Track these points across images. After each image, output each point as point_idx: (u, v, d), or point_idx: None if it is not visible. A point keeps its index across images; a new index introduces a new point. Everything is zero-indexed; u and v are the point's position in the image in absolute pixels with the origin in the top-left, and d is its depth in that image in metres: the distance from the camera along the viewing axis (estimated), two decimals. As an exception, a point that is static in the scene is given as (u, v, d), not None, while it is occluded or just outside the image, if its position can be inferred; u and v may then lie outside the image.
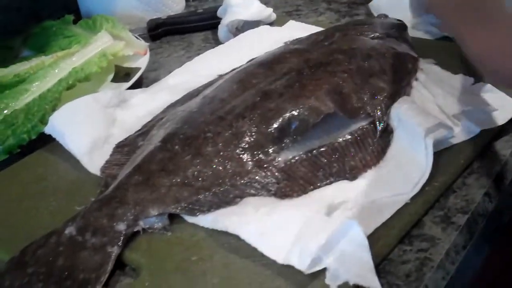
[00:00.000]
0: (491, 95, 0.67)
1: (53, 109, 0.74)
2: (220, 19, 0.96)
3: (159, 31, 1.01)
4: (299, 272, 0.49)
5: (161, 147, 0.62)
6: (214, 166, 0.59)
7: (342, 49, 0.71)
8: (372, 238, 0.50)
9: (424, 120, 0.59)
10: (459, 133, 0.63)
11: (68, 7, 1.11)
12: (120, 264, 0.54)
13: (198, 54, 0.88)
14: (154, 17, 1.04)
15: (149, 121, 0.71)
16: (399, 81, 0.68)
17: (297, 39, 0.81)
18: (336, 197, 0.56)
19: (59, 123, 0.70)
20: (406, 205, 0.55)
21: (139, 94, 0.77)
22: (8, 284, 0.53)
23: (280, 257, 0.50)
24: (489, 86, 0.68)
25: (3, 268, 0.55)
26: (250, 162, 0.59)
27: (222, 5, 0.96)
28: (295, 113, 0.61)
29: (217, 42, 0.94)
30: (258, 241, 0.52)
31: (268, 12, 0.94)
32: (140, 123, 0.71)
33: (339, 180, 0.58)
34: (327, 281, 0.48)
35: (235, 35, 0.92)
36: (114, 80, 0.85)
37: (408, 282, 0.49)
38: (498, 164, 0.61)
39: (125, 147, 0.68)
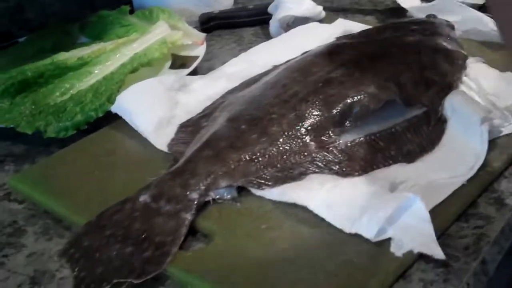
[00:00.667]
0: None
1: (118, 90, 0.78)
2: (270, 15, 1.00)
3: (211, 25, 1.05)
4: (365, 240, 0.52)
5: (229, 126, 0.66)
6: (279, 145, 0.63)
7: (396, 44, 0.76)
8: (432, 214, 0.53)
9: (479, 109, 0.63)
10: (510, 125, 0.66)
11: (120, -1, 1.15)
12: (191, 231, 0.58)
13: (250, 47, 0.91)
14: (205, 11, 1.08)
15: (210, 105, 0.75)
16: (451, 75, 0.72)
17: (349, 34, 0.84)
18: (396, 177, 0.60)
19: (126, 102, 0.74)
20: (462, 186, 0.59)
21: (199, 80, 0.81)
22: (87, 244, 0.57)
23: (347, 227, 0.54)
24: (536, 84, 0.72)
25: (81, 230, 0.59)
26: (313, 143, 0.63)
27: (273, 2, 1.00)
28: (356, 99, 0.65)
29: (267, 37, 0.98)
30: (325, 212, 0.56)
31: (318, 10, 0.98)
32: (201, 106, 0.75)
33: (397, 163, 0.62)
34: (392, 249, 0.52)
35: (285, 30, 0.96)
36: (171, 67, 0.89)
37: (467, 254, 0.52)
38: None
39: (189, 127, 0.72)
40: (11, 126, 0.75)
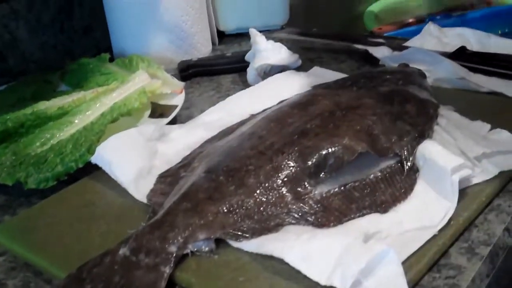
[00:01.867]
0: (508, 140, 0.73)
1: (98, 140, 0.79)
2: (247, 63, 1.03)
3: (190, 72, 1.08)
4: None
5: (207, 178, 0.67)
6: (256, 196, 0.64)
7: (369, 94, 0.78)
8: (404, 266, 0.54)
9: (449, 160, 0.65)
10: (480, 174, 0.68)
11: (100, 47, 1.17)
12: (170, 284, 0.58)
13: (228, 95, 0.93)
14: (184, 59, 1.10)
15: (188, 155, 0.77)
16: (423, 125, 0.74)
17: (324, 83, 0.87)
18: (370, 228, 0.61)
19: (105, 153, 0.75)
20: (434, 237, 0.60)
21: (177, 130, 0.83)
22: None
23: (322, 279, 0.55)
24: (505, 132, 0.74)
25: (61, 283, 0.59)
26: (289, 194, 0.64)
27: (250, 50, 1.03)
28: (331, 151, 0.67)
29: (245, 84, 1.01)
30: (301, 264, 0.56)
31: (295, 58, 1.01)
32: (180, 156, 0.77)
33: (371, 213, 0.64)
34: (370, 302, 0.53)
35: (263, 78, 0.98)
36: (151, 116, 0.91)
37: (439, 305, 0.54)
38: (517, 202, 0.67)
39: (168, 178, 0.73)
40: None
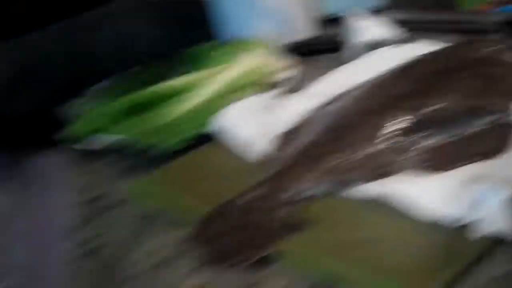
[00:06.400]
0: None
1: (219, 110, 0.88)
2: (348, 42, 1.08)
3: (296, 52, 1.14)
4: (448, 227, 0.60)
5: (318, 135, 0.75)
6: (365, 149, 0.71)
7: (471, 58, 0.82)
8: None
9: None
10: None
11: (210, 34, 1.26)
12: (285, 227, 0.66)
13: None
14: (289, 40, 1.17)
15: (301, 118, 0.84)
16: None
17: (425, 53, 0.92)
18: (479, 172, 0.66)
19: (225, 121, 0.85)
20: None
21: (290, 99, 0.91)
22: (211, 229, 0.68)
23: (433, 215, 0.61)
24: None
25: (205, 216, 0.69)
26: (395, 147, 0.70)
27: (352, 27, 1.09)
28: (433, 109, 0.72)
29: (349, 61, 1.06)
30: (410, 202, 0.63)
31: (397, 32, 1.06)
32: (292, 121, 0.84)
33: (477, 161, 0.69)
34: (474, 233, 0.58)
35: (365, 54, 1.04)
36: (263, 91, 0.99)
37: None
38: None
39: (281, 139, 0.81)
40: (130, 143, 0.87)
